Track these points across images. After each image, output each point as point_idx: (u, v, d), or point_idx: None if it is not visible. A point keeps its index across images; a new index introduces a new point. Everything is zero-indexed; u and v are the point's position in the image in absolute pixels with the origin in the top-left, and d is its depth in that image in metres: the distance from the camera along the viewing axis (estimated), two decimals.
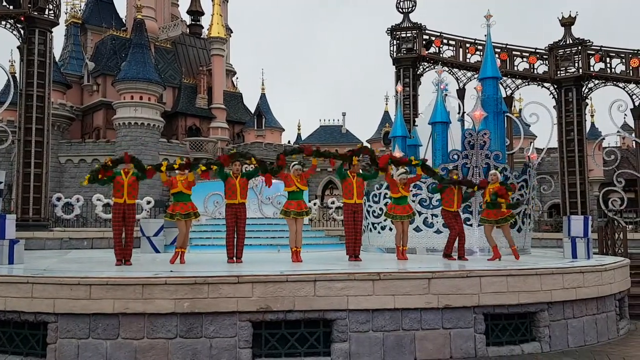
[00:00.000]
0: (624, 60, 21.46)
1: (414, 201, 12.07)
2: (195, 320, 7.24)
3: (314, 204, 21.78)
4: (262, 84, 50.72)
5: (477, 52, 22.44)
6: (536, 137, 41.87)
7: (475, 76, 20.88)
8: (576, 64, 22.14)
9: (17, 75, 20.41)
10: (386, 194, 13.03)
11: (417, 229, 12.40)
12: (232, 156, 9.97)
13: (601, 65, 21.87)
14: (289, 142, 52.66)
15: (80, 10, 52.00)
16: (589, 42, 22.12)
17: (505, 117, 14.70)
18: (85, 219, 21.40)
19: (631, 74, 21.20)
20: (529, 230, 12.93)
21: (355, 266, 9.18)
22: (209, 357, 7.21)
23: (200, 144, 46.66)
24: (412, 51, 23.02)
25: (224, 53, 51.80)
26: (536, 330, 8.31)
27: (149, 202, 19.32)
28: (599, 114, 41.06)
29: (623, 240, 14.00)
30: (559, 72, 22.38)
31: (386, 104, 52.47)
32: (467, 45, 22.72)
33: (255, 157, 10.19)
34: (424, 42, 22.98)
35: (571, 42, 22.34)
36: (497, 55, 21.06)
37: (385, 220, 13.11)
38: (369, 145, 50.96)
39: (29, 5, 18.36)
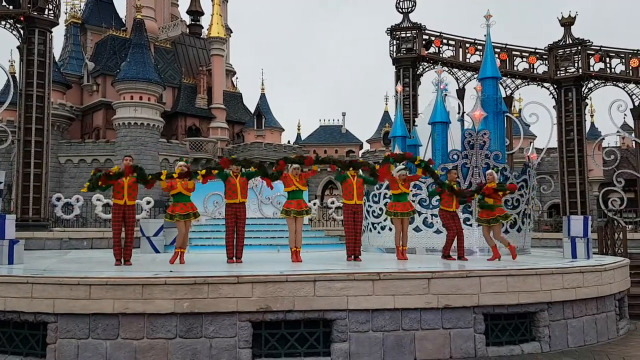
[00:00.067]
0: (623, 60, 21.47)
1: (413, 201, 12.07)
2: (195, 320, 7.24)
3: (314, 204, 21.77)
4: (262, 84, 50.76)
5: (477, 52, 22.44)
6: (536, 137, 41.87)
7: (475, 76, 20.89)
8: (576, 64, 22.14)
9: (17, 75, 20.42)
10: (386, 194, 13.03)
11: (417, 229, 12.40)
12: (233, 161, 9.97)
13: (601, 65, 21.88)
14: (288, 142, 52.68)
15: (80, 10, 52.03)
16: (589, 42, 22.13)
17: (505, 117, 14.70)
18: (85, 219, 21.40)
19: (631, 74, 21.20)
20: (528, 230, 12.92)
21: (355, 266, 9.18)
22: (208, 357, 7.21)
23: (200, 144, 46.67)
24: (411, 51, 23.02)
25: (224, 53, 51.81)
26: (536, 330, 8.31)
27: (148, 203, 19.32)
28: (599, 114, 41.11)
29: (623, 240, 14.00)
30: (558, 72, 22.38)
31: (386, 104, 52.52)
32: (467, 45, 22.72)
33: (255, 162, 10.20)
34: (423, 42, 22.98)
35: (571, 42, 22.35)
36: (496, 55, 21.07)
37: (385, 220, 13.11)
38: (368, 146, 51.17)
39: (29, 5, 18.36)
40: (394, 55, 23.26)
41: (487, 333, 7.99)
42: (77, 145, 43.93)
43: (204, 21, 56.67)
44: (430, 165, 10.82)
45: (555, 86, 22.57)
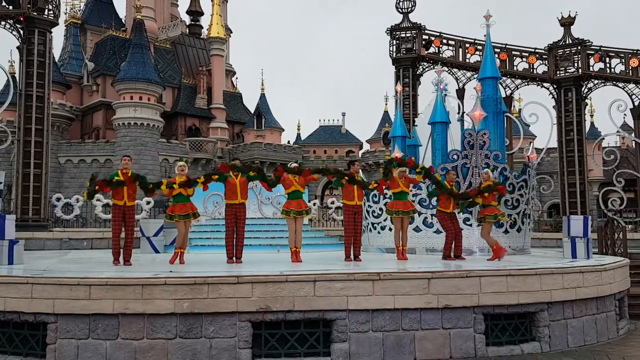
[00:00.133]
0: (623, 60, 21.46)
1: (413, 201, 12.07)
2: (195, 320, 7.23)
3: (314, 204, 21.77)
4: (262, 84, 50.79)
5: (477, 52, 22.43)
6: (536, 137, 41.89)
7: (475, 76, 20.89)
8: (576, 64, 22.14)
9: (17, 75, 20.42)
10: (386, 194, 13.02)
11: (417, 229, 12.40)
12: (232, 167, 9.95)
13: (601, 65, 21.88)
14: (288, 142, 52.70)
15: (79, 11, 52.05)
16: (589, 42, 22.12)
17: (505, 117, 14.70)
18: (84, 220, 21.40)
19: (631, 74, 21.20)
20: (528, 230, 12.92)
21: (355, 266, 9.18)
22: (208, 357, 7.21)
23: (200, 144, 46.68)
24: (411, 51, 23.02)
25: (224, 53, 51.82)
26: (536, 330, 8.31)
27: (148, 203, 19.30)
28: (599, 114, 41.08)
29: (623, 240, 14.00)
30: (558, 72, 22.38)
31: (386, 104, 52.52)
32: (467, 45, 22.72)
33: (254, 167, 10.20)
34: (423, 42, 22.98)
35: (571, 42, 22.35)
36: (496, 55, 21.06)
37: (385, 220, 13.11)
38: (368, 146, 51.17)
39: (29, 6, 18.35)
40: (394, 55, 23.25)
41: (487, 333, 7.98)
42: (77, 145, 43.94)
43: (204, 21, 56.77)
44: (431, 172, 10.86)
45: (555, 86, 22.57)
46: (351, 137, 53.53)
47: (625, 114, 23.37)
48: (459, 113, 17.67)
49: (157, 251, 14.00)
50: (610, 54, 21.80)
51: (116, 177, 9.51)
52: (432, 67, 23.08)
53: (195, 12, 57.21)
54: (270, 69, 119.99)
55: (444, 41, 23.15)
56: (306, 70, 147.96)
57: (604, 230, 14.57)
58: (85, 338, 7.16)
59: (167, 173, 41.53)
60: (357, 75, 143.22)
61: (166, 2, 53.44)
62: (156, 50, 49.26)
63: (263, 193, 15.90)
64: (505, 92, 22.28)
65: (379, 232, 13.53)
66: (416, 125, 17.34)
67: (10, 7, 18.27)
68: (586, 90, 22.30)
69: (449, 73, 22.68)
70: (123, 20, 53.13)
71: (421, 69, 23.37)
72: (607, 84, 21.92)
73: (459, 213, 11.24)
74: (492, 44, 15.07)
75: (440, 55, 23.17)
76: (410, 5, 23.52)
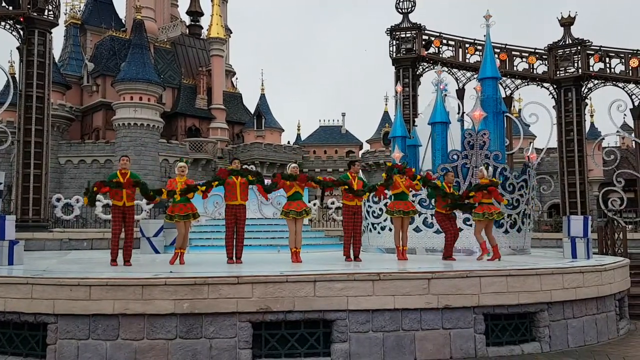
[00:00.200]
0: (623, 60, 21.45)
1: (413, 201, 12.07)
2: (195, 320, 7.23)
3: (314, 205, 21.77)
4: (262, 85, 50.82)
5: (477, 52, 22.42)
6: (536, 137, 41.90)
7: (475, 76, 20.89)
8: (575, 64, 22.13)
9: (17, 76, 20.42)
10: (386, 194, 13.01)
11: (417, 229, 12.40)
12: (231, 172, 9.94)
13: (601, 65, 21.87)
14: (288, 142, 52.71)
15: (79, 11, 52.08)
16: (589, 42, 22.12)
17: (505, 117, 14.70)
18: (85, 220, 21.41)
19: (631, 74, 21.19)
20: (528, 230, 12.92)
21: (355, 266, 9.18)
22: (208, 357, 7.20)
23: (200, 144, 46.70)
24: (411, 51, 23.01)
25: (224, 53, 51.84)
26: (536, 330, 8.30)
27: (148, 203, 19.30)
28: (599, 114, 41.10)
29: (623, 240, 14.00)
30: (558, 72, 22.37)
31: (386, 104, 52.54)
32: (467, 45, 22.71)
33: (252, 172, 10.19)
34: (423, 43, 22.97)
35: (570, 42, 22.34)
36: (496, 56, 21.06)
37: (385, 220, 13.11)
38: (368, 146, 51.18)
39: (29, 6, 18.36)
40: (394, 56, 23.24)
41: (487, 333, 7.98)
42: (77, 145, 43.96)
43: (204, 21, 56.79)
44: (428, 179, 10.89)
45: (555, 86, 22.56)
46: (351, 138, 53.53)
47: (625, 114, 23.39)
48: (459, 113, 17.67)
49: (157, 251, 13.99)
50: (610, 54, 21.79)
51: (115, 178, 9.51)
52: (432, 67, 23.06)
53: (195, 13, 57.23)
54: (270, 69, 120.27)
55: (444, 41, 23.14)
56: (306, 70, 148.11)
57: (604, 230, 14.56)
58: (86, 338, 7.16)
59: (167, 173, 41.53)
60: (357, 75, 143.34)
61: (166, 2, 53.47)
62: (156, 51, 49.28)
63: None
64: (505, 92, 22.28)
65: (379, 232, 13.53)
66: (416, 126, 17.34)
67: (10, 8, 18.28)
68: (586, 90, 22.29)
69: (449, 73, 22.67)
70: (123, 21, 53.16)
71: (421, 69, 23.36)
72: (607, 84, 21.91)
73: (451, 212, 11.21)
74: (492, 44, 15.07)
75: (440, 55, 23.16)
76: (410, 6, 23.51)
